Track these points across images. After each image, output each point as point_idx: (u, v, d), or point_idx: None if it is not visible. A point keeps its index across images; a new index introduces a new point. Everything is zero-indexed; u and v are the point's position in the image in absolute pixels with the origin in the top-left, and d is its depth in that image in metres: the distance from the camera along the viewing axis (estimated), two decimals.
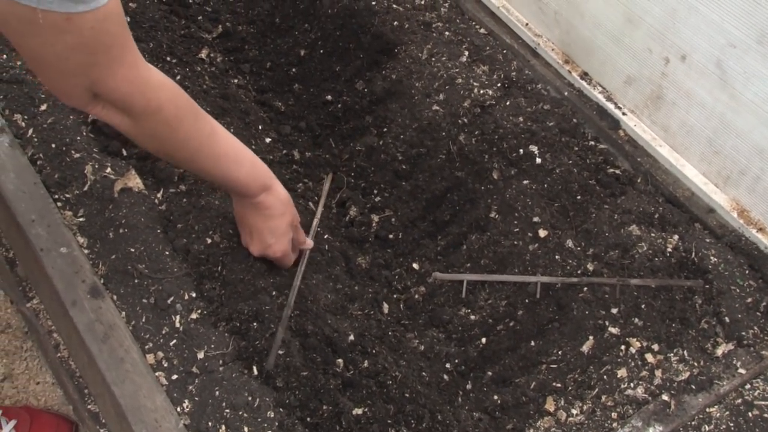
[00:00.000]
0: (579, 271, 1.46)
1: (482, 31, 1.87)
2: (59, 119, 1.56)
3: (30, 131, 1.54)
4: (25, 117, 1.56)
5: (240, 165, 1.25)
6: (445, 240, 1.64)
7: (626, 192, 1.56)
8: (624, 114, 1.65)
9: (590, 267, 1.47)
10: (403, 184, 1.71)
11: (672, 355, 1.31)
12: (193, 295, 1.34)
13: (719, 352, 1.29)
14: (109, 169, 1.50)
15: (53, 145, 1.52)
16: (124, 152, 1.54)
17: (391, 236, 1.67)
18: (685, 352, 1.30)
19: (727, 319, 1.32)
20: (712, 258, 1.42)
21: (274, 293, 1.37)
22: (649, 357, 1.31)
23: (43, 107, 1.57)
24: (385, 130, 1.77)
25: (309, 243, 1.44)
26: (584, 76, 1.71)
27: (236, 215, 1.36)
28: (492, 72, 1.78)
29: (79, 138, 1.54)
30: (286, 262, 1.39)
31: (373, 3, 1.88)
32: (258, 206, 1.29)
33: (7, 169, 1.48)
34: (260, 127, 1.82)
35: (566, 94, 1.72)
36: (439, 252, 1.64)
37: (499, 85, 1.75)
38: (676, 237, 1.46)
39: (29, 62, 1.03)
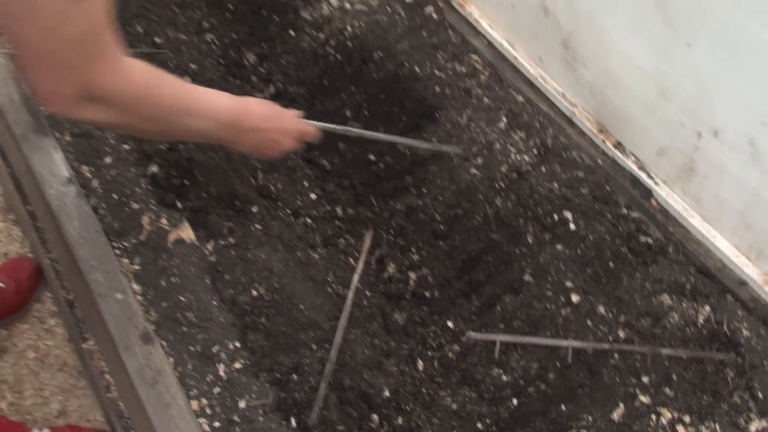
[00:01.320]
0: (610, 338, 1.44)
1: (520, 98, 1.87)
2: (122, 171, 1.59)
3: (95, 182, 1.57)
4: (91, 168, 1.59)
5: (213, 118, 1.28)
6: (479, 300, 1.63)
7: (658, 261, 1.53)
8: (656, 184, 1.63)
9: (621, 334, 1.44)
10: (441, 243, 1.70)
11: (703, 428, 1.27)
12: (237, 345, 1.34)
13: (752, 428, 1.25)
14: (164, 220, 1.51)
15: (115, 196, 1.55)
16: (179, 204, 1.56)
17: (427, 294, 1.66)
18: (717, 426, 1.26)
19: (760, 395, 1.27)
20: (744, 331, 1.38)
21: (314, 347, 1.36)
22: (681, 429, 1.27)
23: (108, 160, 1.60)
24: (424, 190, 1.77)
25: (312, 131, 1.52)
26: (618, 145, 1.70)
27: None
28: (529, 138, 1.77)
29: (138, 190, 1.56)
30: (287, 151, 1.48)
31: (417, 69, 1.90)
32: (239, 136, 1.36)
33: (72, 217, 1.50)
34: (306, 184, 1.84)
35: (600, 162, 1.71)
36: (473, 312, 1.62)
37: (535, 151, 1.75)
38: (707, 308, 1.43)
39: (25, 57, 0.95)
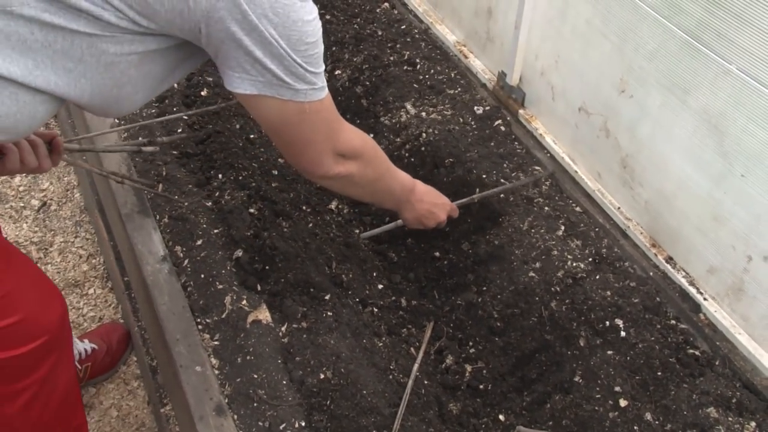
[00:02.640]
0: None
1: (578, 209, 1.91)
2: (210, 254, 1.68)
3: (186, 261, 1.66)
4: (184, 249, 1.69)
5: (400, 182, 1.63)
6: (530, 396, 1.63)
7: (705, 374, 1.52)
8: (705, 299, 1.63)
9: None
10: (497, 339, 1.72)
11: None
12: (303, 424, 1.37)
13: None
14: (244, 301, 1.58)
15: (202, 276, 1.63)
16: (259, 287, 1.63)
17: (481, 386, 1.67)
18: None
19: None
20: None
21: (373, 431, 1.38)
22: None
23: (199, 242, 1.70)
24: (484, 288, 1.80)
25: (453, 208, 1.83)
26: (669, 260, 1.71)
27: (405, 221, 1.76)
28: (585, 247, 1.80)
29: (224, 271, 1.64)
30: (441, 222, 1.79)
31: (483, 176, 1.96)
32: (408, 203, 1.69)
33: (163, 292, 1.59)
34: (374, 274, 1.89)
35: (651, 274, 1.72)
36: (524, 407, 1.62)
37: (590, 259, 1.77)
38: (753, 424, 1.41)
39: (294, 146, 1.27)
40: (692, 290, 1.65)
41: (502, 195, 1.92)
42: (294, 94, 1.12)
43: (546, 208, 1.91)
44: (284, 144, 1.27)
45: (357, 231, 2.00)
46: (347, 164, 1.36)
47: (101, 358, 1.87)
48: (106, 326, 1.96)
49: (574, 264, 1.76)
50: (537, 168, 2.02)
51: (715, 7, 1.36)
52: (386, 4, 2.62)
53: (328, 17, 2.55)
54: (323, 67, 1.16)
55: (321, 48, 1.12)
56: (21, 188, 2.39)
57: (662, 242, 1.74)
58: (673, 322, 1.63)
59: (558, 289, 1.72)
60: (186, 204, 1.77)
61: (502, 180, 1.97)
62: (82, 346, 1.85)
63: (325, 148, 1.29)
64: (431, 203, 1.72)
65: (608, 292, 1.68)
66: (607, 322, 1.63)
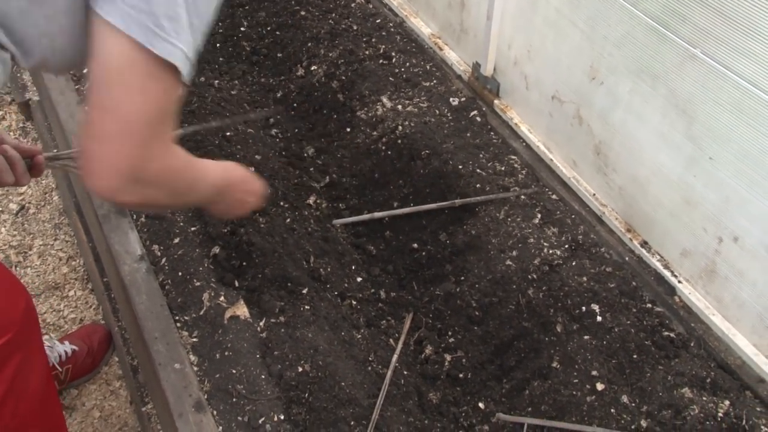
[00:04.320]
0: (633, 427, 1.43)
1: (554, 197, 1.91)
2: (187, 251, 1.67)
3: (163, 260, 1.65)
4: (161, 248, 1.68)
5: (212, 180, 1.19)
6: (509, 384, 1.63)
7: (680, 355, 1.53)
8: (680, 282, 1.64)
9: (643, 423, 1.43)
10: (475, 328, 1.73)
11: None
12: (282, 417, 1.37)
13: None
14: (222, 298, 1.58)
15: (180, 273, 1.62)
16: (237, 284, 1.63)
17: (461, 375, 1.67)
18: None
19: None
20: (762, 427, 1.36)
21: (352, 422, 1.39)
22: None
23: (176, 240, 1.69)
24: (462, 278, 1.80)
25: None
26: (644, 244, 1.72)
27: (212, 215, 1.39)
28: (561, 234, 1.80)
29: (201, 269, 1.63)
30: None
31: (460, 167, 1.96)
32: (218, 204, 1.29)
33: (141, 292, 1.58)
34: (353, 268, 1.89)
35: (627, 259, 1.72)
36: (503, 394, 1.63)
37: (566, 246, 1.78)
38: (727, 403, 1.42)
39: (104, 116, 0.90)
40: (667, 273, 1.66)
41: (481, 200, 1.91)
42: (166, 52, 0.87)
43: (522, 196, 1.91)
44: (102, 108, 0.89)
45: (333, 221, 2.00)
46: (141, 191, 0.95)
47: (82, 359, 1.85)
48: (86, 327, 1.95)
49: (551, 251, 1.76)
50: (513, 157, 2.02)
51: None
52: None
53: (303, 13, 2.54)
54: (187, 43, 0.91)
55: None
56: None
57: (637, 227, 1.75)
58: (648, 305, 1.64)
59: (535, 276, 1.73)
60: None
61: (478, 170, 1.97)
62: (62, 348, 1.83)
63: (128, 150, 0.90)
64: (245, 191, 1.37)
65: (584, 278, 1.69)
66: (584, 308, 1.64)
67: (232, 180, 1.31)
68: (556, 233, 1.82)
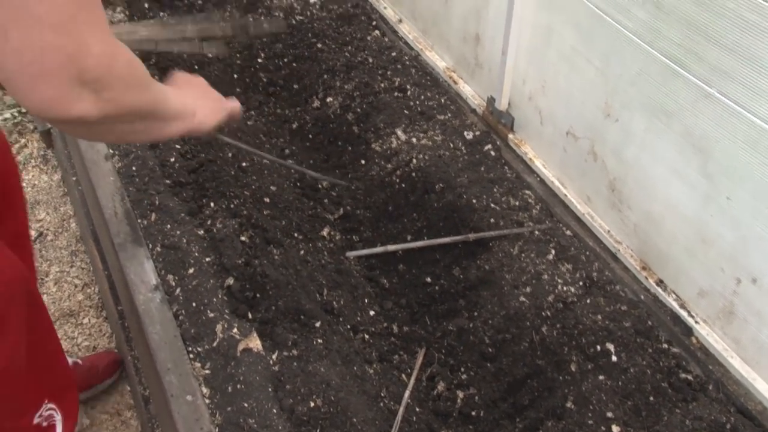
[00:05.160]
0: None
1: (568, 233, 1.89)
2: (202, 282, 1.66)
3: (177, 290, 1.65)
4: (176, 278, 1.67)
5: (176, 104, 1.09)
6: (522, 423, 1.61)
7: (698, 398, 1.49)
8: (697, 323, 1.61)
9: None
10: (488, 365, 1.70)
11: None
12: None
13: None
14: (235, 330, 1.57)
15: (194, 304, 1.62)
16: (250, 315, 1.62)
17: (473, 413, 1.65)
18: None
19: None
20: None
21: None
22: None
23: (191, 271, 1.68)
24: (475, 314, 1.79)
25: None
26: (660, 283, 1.70)
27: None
28: (575, 271, 1.78)
29: (215, 299, 1.62)
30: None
31: (474, 201, 1.95)
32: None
33: (155, 322, 1.58)
34: (366, 301, 1.88)
35: (642, 297, 1.70)
36: None
37: (581, 283, 1.76)
38: None
39: (11, 28, 0.74)
40: (683, 313, 1.63)
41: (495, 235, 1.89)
42: None
43: (536, 232, 1.90)
44: None
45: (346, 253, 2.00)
46: (91, 98, 0.81)
47: (81, 375, 1.89)
48: (97, 355, 1.97)
49: (565, 288, 1.74)
50: (527, 192, 2.01)
51: (694, 32, 1.36)
52: (377, 32, 2.63)
53: (319, 45, 2.55)
54: None
55: None
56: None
57: (652, 265, 1.73)
58: (665, 345, 1.61)
59: (549, 313, 1.70)
60: (178, 233, 1.76)
61: (492, 205, 1.96)
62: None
63: (58, 44, 0.76)
64: (202, 96, 1.28)
65: (599, 316, 1.67)
66: (599, 347, 1.61)
67: (188, 86, 1.26)
68: (571, 270, 1.80)
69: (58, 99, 0.78)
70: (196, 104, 1.20)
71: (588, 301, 1.71)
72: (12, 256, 1.39)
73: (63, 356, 1.68)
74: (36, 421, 1.50)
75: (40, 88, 0.77)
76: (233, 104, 1.39)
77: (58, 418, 1.55)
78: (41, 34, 0.74)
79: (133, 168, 1.94)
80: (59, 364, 1.63)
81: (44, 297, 2.16)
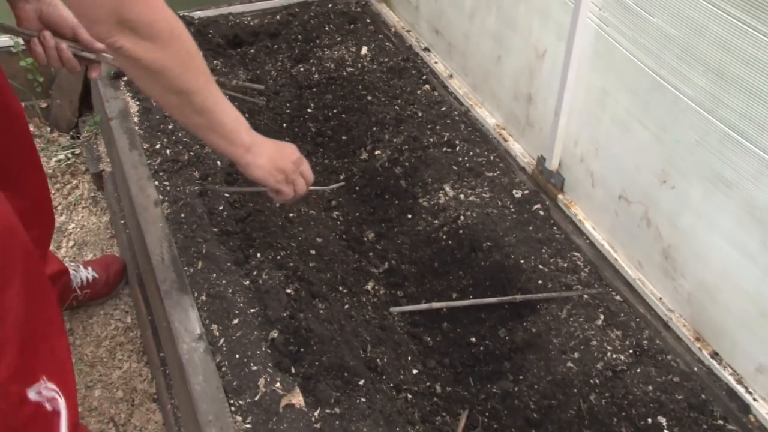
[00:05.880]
0: None
1: (618, 298, 1.87)
2: (246, 333, 1.67)
3: (221, 341, 1.66)
4: (220, 328, 1.69)
5: (228, 113, 1.31)
6: None
7: None
8: (755, 400, 1.56)
9: None
10: None
11: None
12: None
13: None
14: (278, 384, 1.57)
15: (237, 356, 1.63)
16: (293, 370, 1.62)
17: None
18: None
19: None
20: None
21: None
22: None
23: (235, 321, 1.70)
24: (521, 377, 1.76)
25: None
26: (715, 355, 1.66)
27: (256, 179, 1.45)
28: (625, 338, 1.76)
29: (258, 352, 1.63)
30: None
31: (522, 262, 1.95)
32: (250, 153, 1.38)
33: (198, 372, 1.59)
34: (409, 358, 1.87)
35: (696, 369, 1.66)
36: None
37: (631, 351, 1.73)
38: None
39: None
40: (740, 389, 1.59)
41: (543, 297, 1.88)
42: None
43: (585, 296, 1.88)
44: None
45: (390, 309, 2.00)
46: (138, 43, 1.10)
47: (100, 286, 2.21)
48: (106, 257, 2.32)
49: (614, 355, 1.72)
50: (576, 254, 2.00)
51: (757, 102, 1.36)
52: (427, 86, 2.67)
53: (369, 98, 2.60)
54: None
55: None
56: (66, 258, 2.44)
57: (707, 336, 1.69)
58: (720, 422, 1.57)
59: (597, 381, 1.67)
60: (224, 282, 1.79)
61: (540, 266, 1.95)
62: (85, 274, 2.17)
63: (103, 2, 1.04)
64: (278, 153, 1.44)
65: (650, 387, 1.63)
66: (650, 419, 1.57)
67: (258, 137, 1.39)
68: (620, 336, 1.77)
69: (107, 34, 1.07)
70: (259, 146, 1.38)
71: (638, 370, 1.68)
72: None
73: (64, 336, 1.58)
74: (33, 397, 1.39)
75: (94, 27, 1.08)
76: (298, 186, 1.53)
77: (62, 403, 1.47)
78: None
79: (182, 215, 1.98)
80: (58, 340, 1.53)
81: (87, 338, 2.19)
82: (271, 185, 1.47)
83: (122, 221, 2.38)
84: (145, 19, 1.09)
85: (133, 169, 2.15)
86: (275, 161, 1.43)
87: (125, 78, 2.52)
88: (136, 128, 2.28)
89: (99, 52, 1.60)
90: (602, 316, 1.82)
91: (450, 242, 2.08)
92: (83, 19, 1.11)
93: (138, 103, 2.41)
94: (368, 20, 3.08)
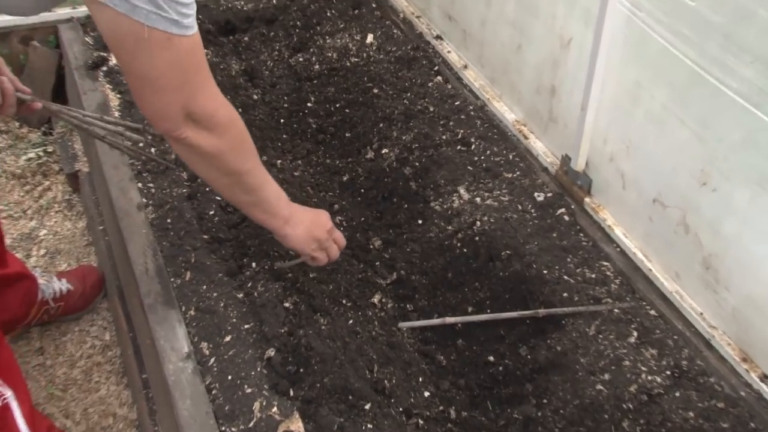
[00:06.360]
0: None
1: (653, 312, 1.86)
2: (239, 352, 1.67)
3: (212, 360, 1.66)
4: (210, 346, 1.68)
5: (273, 190, 1.60)
6: None
7: None
8: None
9: None
10: None
11: None
12: None
13: None
14: (275, 409, 1.56)
15: (229, 377, 1.62)
16: (292, 393, 1.61)
17: None
18: None
19: None
20: None
21: None
22: None
23: (227, 338, 1.70)
24: (544, 401, 1.75)
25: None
26: (765, 378, 1.65)
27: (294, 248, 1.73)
28: (661, 357, 1.74)
29: (253, 373, 1.63)
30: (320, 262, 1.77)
31: (545, 272, 1.94)
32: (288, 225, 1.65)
33: (185, 395, 1.58)
34: (420, 380, 1.86)
35: (743, 394, 1.65)
36: None
37: (668, 372, 1.71)
38: None
39: (135, 82, 1.28)
40: None
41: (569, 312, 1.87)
42: (130, 9, 1.13)
43: (616, 310, 1.86)
44: (127, 73, 1.29)
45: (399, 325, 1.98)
46: (200, 132, 1.35)
47: (75, 299, 2.21)
48: (82, 268, 2.32)
49: (650, 377, 1.70)
50: (605, 263, 1.98)
51: None
52: (439, 78, 2.66)
53: (375, 91, 2.59)
54: (190, 4, 1.20)
55: None
56: (37, 269, 2.43)
57: (755, 356, 1.67)
58: None
59: (631, 406, 1.66)
60: (215, 295, 1.77)
61: (565, 277, 1.94)
62: (58, 286, 2.17)
63: (173, 100, 1.27)
64: (314, 224, 1.70)
65: (691, 413, 1.61)
66: None
67: (295, 207, 1.68)
68: (656, 356, 1.75)
69: (175, 128, 1.32)
70: (295, 218, 1.65)
71: (677, 394, 1.66)
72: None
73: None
74: None
75: (163, 123, 1.33)
76: (331, 253, 1.76)
77: (10, 395, 1.60)
78: (164, 95, 1.27)
79: (168, 220, 1.97)
80: None
81: (59, 358, 2.18)
82: (307, 253, 1.71)
83: (101, 227, 2.37)
84: (208, 111, 1.34)
85: (114, 170, 2.14)
86: (311, 231, 1.68)
87: (104, 68, 2.52)
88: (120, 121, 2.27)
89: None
90: (635, 333, 1.81)
91: (465, 250, 2.07)
92: (153, 117, 1.34)
93: (119, 95, 2.40)
94: (374, 5, 3.08)
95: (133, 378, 2.00)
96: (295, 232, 1.65)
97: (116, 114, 2.31)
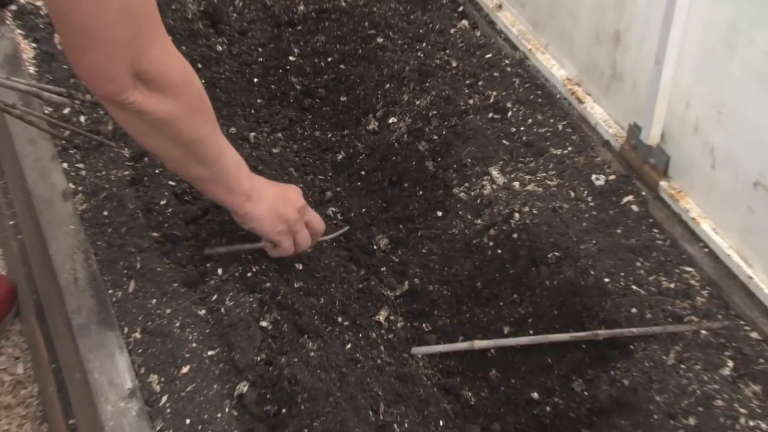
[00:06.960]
0: None
1: (755, 335, 1.84)
2: (201, 387, 1.66)
3: (164, 398, 1.64)
4: (163, 379, 1.67)
5: (231, 160, 1.65)
6: None
7: None
8: None
9: None
10: None
11: None
12: None
13: None
14: None
15: (188, 421, 1.61)
16: None
17: None
18: None
19: None
20: None
21: None
22: None
23: (185, 369, 1.69)
24: None
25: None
26: None
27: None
28: (766, 396, 1.73)
29: (219, 415, 1.62)
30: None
31: (606, 280, 1.93)
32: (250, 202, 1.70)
33: None
34: (441, 423, 1.86)
35: None
36: None
37: None
38: None
39: (73, 35, 1.29)
40: None
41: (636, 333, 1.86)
42: None
43: (703, 332, 1.85)
44: (62, 23, 1.30)
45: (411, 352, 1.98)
46: (150, 95, 1.39)
47: None
48: None
49: (751, 422, 1.68)
50: (688, 269, 1.97)
51: None
52: (464, 22, 2.65)
53: (380, 40, 2.58)
54: None
55: None
56: None
57: None
58: None
59: None
60: (168, 312, 1.76)
61: (633, 287, 1.92)
62: None
63: (120, 56, 1.31)
64: (281, 199, 1.77)
65: None
66: None
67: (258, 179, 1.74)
68: (759, 394, 1.74)
69: (120, 92, 1.35)
70: (258, 191, 1.70)
71: None
72: None
73: None
74: None
75: (108, 86, 1.35)
76: (300, 238, 1.83)
77: None
78: (109, 50, 1.29)
79: (105, 213, 1.96)
80: None
81: None
82: (270, 237, 1.77)
83: (11, 222, 2.35)
84: (160, 69, 1.38)
85: (30, 145, 2.12)
86: (277, 208, 1.72)
87: (13, 7, 2.51)
88: (34, 83, 2.25)
89: None
90: (731, 363, 1.79)
91: (499, 251, 2.06)
92: (94, 78, 1.36)
93: (35, 45, 2.39)
94: None
95: (57, 424, 1.98)
96: (258, 210, 1.70)
97: (31, 70, 2.30)
